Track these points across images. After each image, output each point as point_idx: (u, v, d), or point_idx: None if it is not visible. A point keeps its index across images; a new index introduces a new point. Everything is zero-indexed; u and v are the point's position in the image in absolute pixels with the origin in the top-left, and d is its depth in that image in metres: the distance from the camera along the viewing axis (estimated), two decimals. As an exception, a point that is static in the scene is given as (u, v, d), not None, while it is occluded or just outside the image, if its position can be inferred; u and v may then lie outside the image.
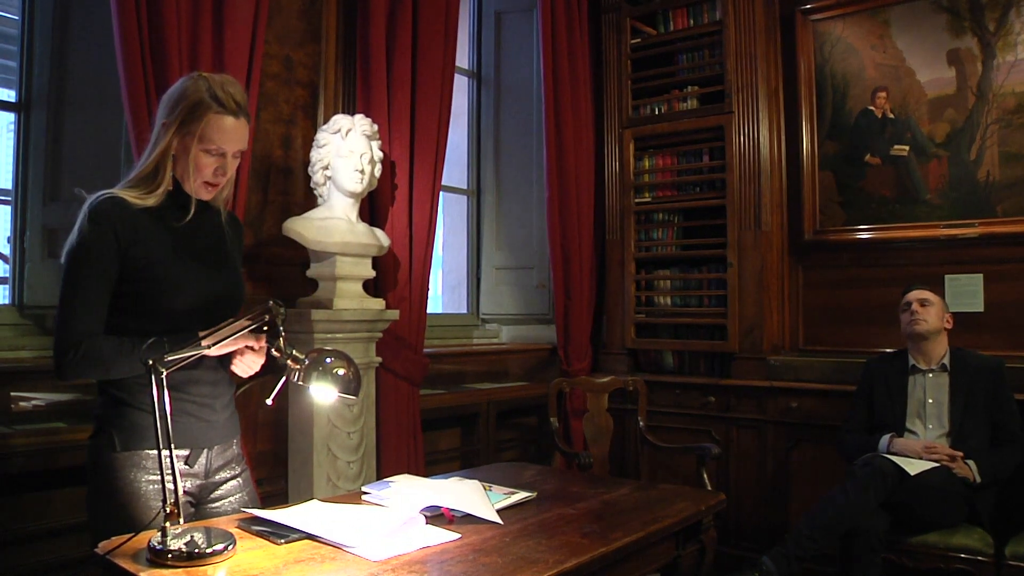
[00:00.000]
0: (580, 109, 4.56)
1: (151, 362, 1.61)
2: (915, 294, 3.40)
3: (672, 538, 2.25)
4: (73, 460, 2.41)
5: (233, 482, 2.02)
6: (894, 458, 3.07)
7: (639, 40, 4.63)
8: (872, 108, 4.15)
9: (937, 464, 3.08)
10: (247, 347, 1.86)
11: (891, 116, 4.10)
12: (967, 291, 3.79)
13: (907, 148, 4.05)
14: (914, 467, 3.02)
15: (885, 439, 3.27)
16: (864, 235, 4.16)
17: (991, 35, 3.82)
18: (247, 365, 1.93)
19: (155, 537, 1.58)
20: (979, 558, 2.94)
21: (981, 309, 3.80)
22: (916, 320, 3.34)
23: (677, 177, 4.49)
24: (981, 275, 3.83)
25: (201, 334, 1.77)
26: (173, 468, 1.62)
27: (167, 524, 1.58)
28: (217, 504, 1.99)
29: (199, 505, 1.97)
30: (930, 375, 3.33)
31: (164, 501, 1.59)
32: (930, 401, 3.30)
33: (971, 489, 3.08)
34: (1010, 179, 3.77)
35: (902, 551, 3.06)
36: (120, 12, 2.48)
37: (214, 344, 1.75)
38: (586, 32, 4.64)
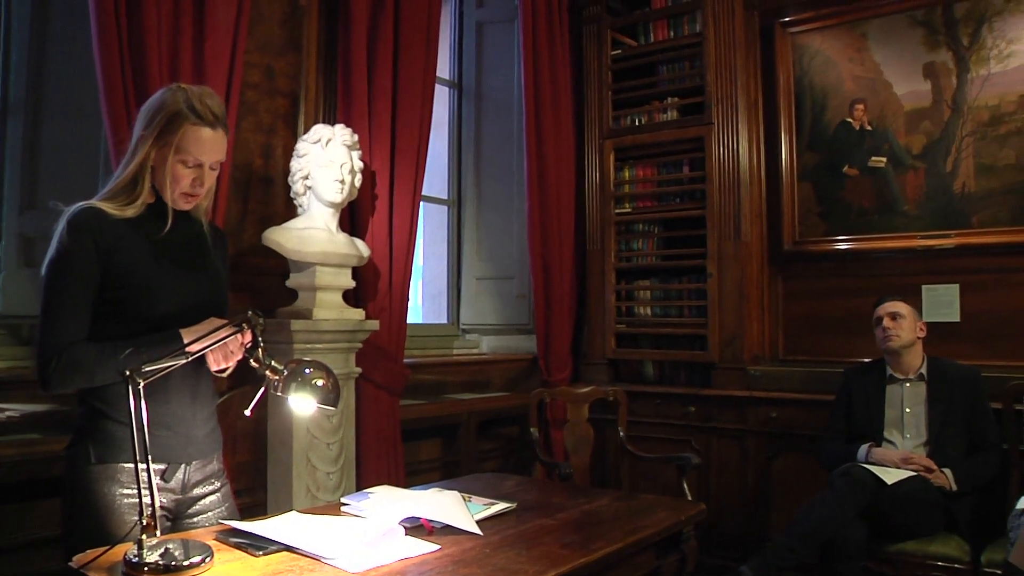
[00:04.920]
0: (561, 120, 4.57)
1: (128, 372, 1.60)
2: (886, 307, 3.40)
3: (653, 548, 2.25)
4: (49, 472, 2.38)
5: (212, 497, 2.00)
6: (871, 467, 3.10)
7: (620, 51, 4.65)
8: (850, 120, 4.20)
9: (914, 473, 3.10)
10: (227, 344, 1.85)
11: (869, 128, 4.14)
12: (944, 301, 3.83)
13: (885, 160, 4.09)
14: (891, 476, 3.05)
15: (863, 448, 3.29)
16: (843, 245, 4.20)
17: (965, 49, 3.87)
18: (222, 356, 1.88)
19: (131, 550, 1.57)
20: (956, 566, 2.97)
21: (958, 319, 3.84)
22: (889, 336, 3.36)
23: (657, 188, 4.52)
24: (957, 285, 3.88)
25: (182, 331, 1.79)
26: (150, 480, 1.60)
27: (143, 536, 1.57)
28: (195, 519, 1.97)
29: (176, 520, 1.95)
30: (907, 385, 3.36)
31: (140, 513, 1.57)
32: (908, 411, 3.33)
33: (948, 497, 3.10)
34: (985, 190, 3.82)
35: (881, 560, 3.07)
36: (99, 20, 2.47)
37: (195, 340, 1.75)
38: (567, 43, 4.66)
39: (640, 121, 4.56)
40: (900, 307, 3.38)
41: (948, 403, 3.26)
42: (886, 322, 3.37)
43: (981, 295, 3.83)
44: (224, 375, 1.97)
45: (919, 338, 3.38)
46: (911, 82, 4.02)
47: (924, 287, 3.88)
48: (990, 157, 3.81)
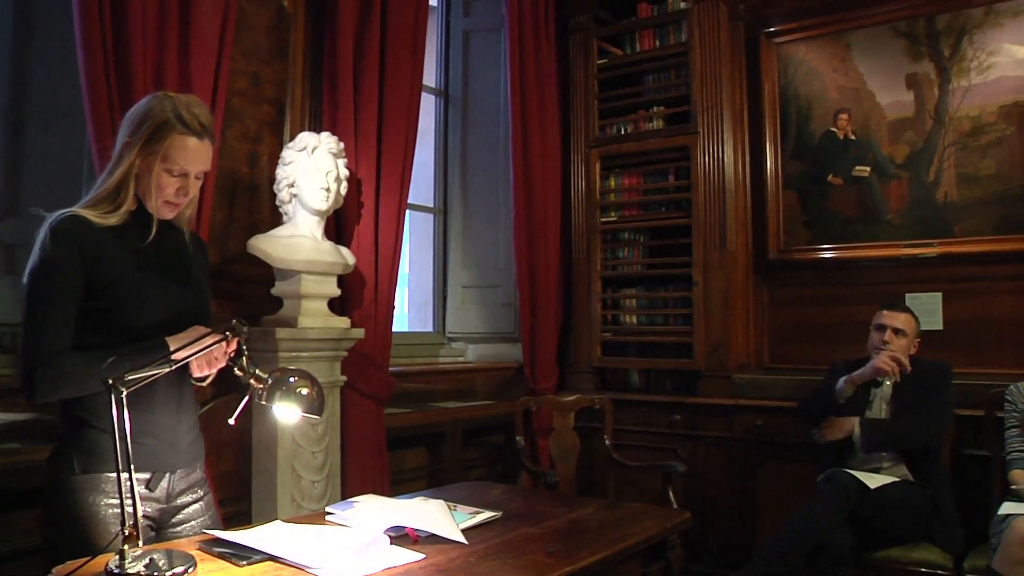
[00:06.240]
0: (547, 128, 4.58)
1: (111, 381, 1.59)
2: (891, 319, 3.37)
3: (638, 556, 2.25)
4: (28, 482, 2.36)
5: (195, 506, 1.99)
6: (855, 472, 3.12)
7: (606, 60, 4.67)
8: (835, 129, 4.23)
9: (897, 479, 3.13)
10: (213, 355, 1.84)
11: (853, 137, 4.18)
12: (927, 309, 3.85)
13: (868, 169, 4.13)
14: (874, 481, 3.09)
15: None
16: (828, 254, 4.22)
17: (946, 60, 3.92)
18: (205, 363, 1.87)
19: (113, 560, 1.55)
20: (939, 572, 2.99)
21: (940, 327, 3.87)
22: (884, 351, 3.34)
23: (643, 196, 4.53)
24: (940, 294, 3.91)
25: (168, 339, 1.78)
26: (133, 490, 1.59)
27: (125, 547, 1.55)
28: (179, 528, 1.96)
29: (160, 530, 1.94)
30: (886, 383, 3.37)
31: (123, 523, 1.56)
32: (884, 406, 3.35)
33: (932, 502, 3.13)
34: (967, 200, 3.85)
35: (866, 567, 3.09)
36: (83, 26, 2.45)
37: (180, 348, 1.74)
38: (553, 52, 4.67)
39: (626, 130, 4.58)
40: (904, 324, 3.36)
41: (909, 391, 3.29)
42: (888, 335, 3.35)
43: (963, 303, 3.86)
44: (204, 384, 1.97)
45: (909, 354, 3.40)
46: (894, 92, 4.06)
47: (908, 295, 3.90)
48: (972, 167, 3.85)
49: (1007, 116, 3.78)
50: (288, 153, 3.12)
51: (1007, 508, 2.84)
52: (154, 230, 1.89)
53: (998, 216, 3.78)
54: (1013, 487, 3.01)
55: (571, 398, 4.12)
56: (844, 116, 4.20)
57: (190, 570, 1.61)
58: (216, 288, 3.02)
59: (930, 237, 3.93)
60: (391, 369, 3.61)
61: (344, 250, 3.27)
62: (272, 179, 3.20)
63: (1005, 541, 2.71)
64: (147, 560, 1.57)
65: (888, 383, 3.37)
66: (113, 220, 1.83)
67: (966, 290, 3.86)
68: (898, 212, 4.04)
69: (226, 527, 2.01)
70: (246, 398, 1.95)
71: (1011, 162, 3.77)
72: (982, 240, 3.80)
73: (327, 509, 2.23)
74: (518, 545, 2.00)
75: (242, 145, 3.28)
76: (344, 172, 3.17)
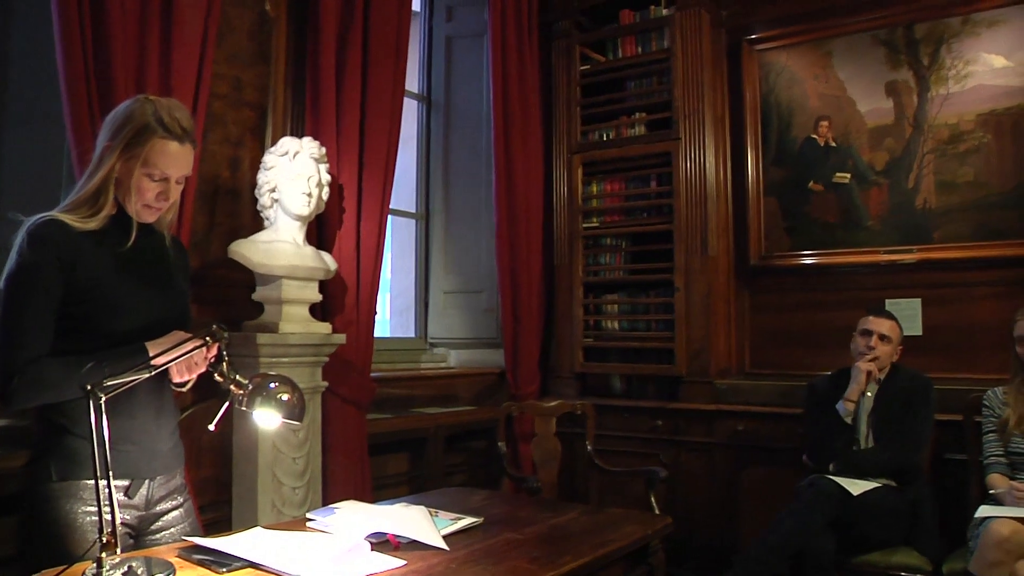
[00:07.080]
0: (529, 134, 4.59)
1: (89, 387, 1.57)
2: (877, 325, 3.39)
3: (621, 562, 2.26)
4: (5, 489, 2.33)
5: (175, 512, 1.98)
6: (837, 479, 3.13)
7: (588, 67, 4.68)
8: (815, 136, 4.26)
9: (879, 484, 3.14)
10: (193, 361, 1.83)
11: (833, 144, 4.21)
12: (906, 315, 3.87)
13: (849, 175, 4.16)
14: (856, 487, 3.09)
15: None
16: (809, 260, 4.25)
17: (925, 69, 3.96)
18: (185, 368, 1.86)
19: (90, 568, 1.54)
20: (918, 576, 3.01)
21: (920, 332, 3.90)
22: (868, 358, 3.36)
23: (625, 202, 4.54)
24: (919, 299, 3.94)
25: (147, 344, 1.77)
26: (111, 497, 1.57)
27: (103, 554, 1.54)
28: (158, 536, 1.95)
29: (139, 537, 1.92)
30: (868, 394, 3.39)
31: (100, 530, 1.54)
32: (864, 418, 3.37)
33: (913, 508, 3.15)
34: (945, 206, 3.89)
35: (846, 570, 3.10)
36: (63, 28, 2.43)
37: (160, 353, 1.73)
38: (536, 58, 4.68)
39: (608, 136, 4.59)
40: (889, 330, 3.38)
41: (890, 405, 3.31)
42: (873, 340, 3.37)
43: (942, 309, 3.89)
44: (184, 389, 1.95)
45: (892, 361, 3.42)
46: (874, 100, 4.10)
47: (887, 301, 3.94)
48: (950, 174, 3.89)
49: (984, 124, 3.82)
50: (270, 158, 3.11)
51: (984, 511, 2.86)
52: (134, 234, 1.88)
53: (976, 222, 3.82)
54: (991, 491, 3.05)
55: (553, 403, 4.12)
56: (825, 123, 4.23)
57: (169, 577, 1.60)
58: (197, 293, 2.99)
59: (909, 243, 3.97)
60: (373, 375, 3.61)
61: (326, 255, 3.26)
62: (254, 184, 3.18)
63: (981, 544, 2.73)
64: (125, 568, 1.56)
65: (869, 394, 3.39)
66: (93, 224, 1.82)
67: (945, 296, 3.90)
68: (878, 218, 4.07)
69: (206, 534, 1.99)
70: (226, 404, 1.94)
71: (988, 169, 3.81)
72: (960, 246, 3.84)
73: (308, 515, 2.22)
74: (500, 551, 1.99)
75: (223, 149, 3.26)
76: (326, 177, 3.16)
